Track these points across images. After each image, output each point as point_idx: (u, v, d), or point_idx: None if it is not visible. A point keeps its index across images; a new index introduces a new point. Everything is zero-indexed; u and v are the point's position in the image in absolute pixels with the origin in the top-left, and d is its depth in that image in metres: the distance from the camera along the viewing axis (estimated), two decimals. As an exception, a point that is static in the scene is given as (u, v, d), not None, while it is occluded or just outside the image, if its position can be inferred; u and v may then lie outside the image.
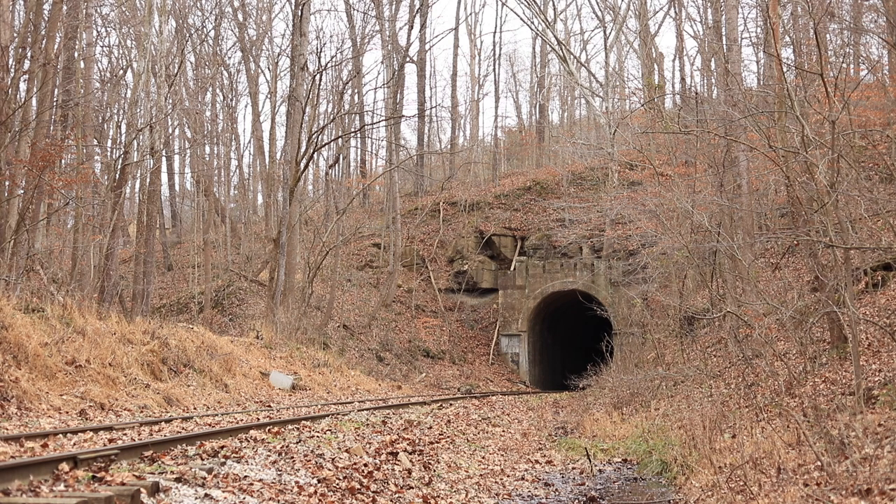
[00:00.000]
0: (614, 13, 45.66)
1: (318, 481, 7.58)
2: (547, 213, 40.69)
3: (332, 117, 36.92)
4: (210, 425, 11.18)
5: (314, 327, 30.50)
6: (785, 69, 13.58)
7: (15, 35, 22.43)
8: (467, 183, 47.05)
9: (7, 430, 9.52)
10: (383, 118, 42.28)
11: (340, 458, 8.81)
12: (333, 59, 37.35)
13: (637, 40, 43.66)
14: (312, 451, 8.72)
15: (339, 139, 43.89)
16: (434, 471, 9.95)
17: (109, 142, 37.14)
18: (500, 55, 65.06)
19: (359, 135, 46.54)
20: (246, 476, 7.05)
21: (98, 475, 6.34)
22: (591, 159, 43.43)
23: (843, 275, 10.83)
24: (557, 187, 42.67)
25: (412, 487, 8.66)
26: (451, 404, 19.68)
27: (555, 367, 38.93)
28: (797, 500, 6.64)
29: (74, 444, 8.55)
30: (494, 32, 55.91)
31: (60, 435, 8.99)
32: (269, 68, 46.84)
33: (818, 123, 16.80)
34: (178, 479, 6.44)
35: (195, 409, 14.57)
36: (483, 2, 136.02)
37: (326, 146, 41.11)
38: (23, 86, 21.94)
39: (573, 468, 11.63)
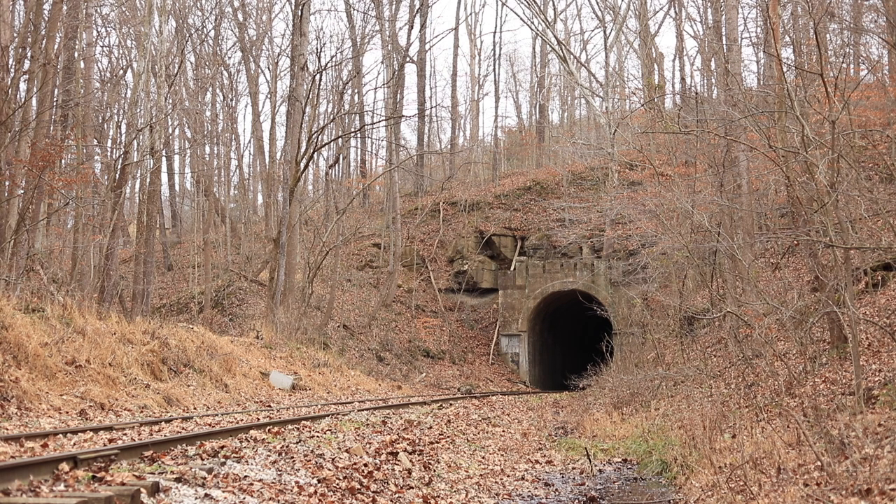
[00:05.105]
0: (614, 13, 45.66)
1: (318, 481, 7.58)
2: (547, 213, 40.69)
3: (332, 117, 36.92)
4: (210, 425, 11.18)
5: (314, 327, 30.50)
6: (785, 69, 13.58)
7: (15, 35, 22.43)
8: (467, 183, 47.04)
9: (7, 430, 9.52)
10: (383, 118, 42.28)
11: (340, 458, 8.81)
12: (333, 59, 37.39)
13: (637, 40, 43.67)
14: (312, 451, 8.71)
15: (339, 139, 43.90)
16: (434, 471, 9.94)
17: (109, 142, 37.16)
18: (500, 55, 65.05)
19: (359, 135, 46.56)
20: (246, 476, 7.05)
21: (98, 475, 6.34)
22: (591, 159, 43.42)
23: (843, 275, 10.83)
24: (557, 187, 42.67)
25: (412, 487, 8.66)
26: (451, 404, 19.68)
27: (555, 367, 38.93)
28: (797, 500, 6.64)
29: (74, 444, 8.55)
30: (494, 32, 55.95)
31: (60, 435, 8.98)
32: (269, 68, 46.89)
33: (818, 123, 16.80)
34: (178, 479, 6.44)
35: (195, 409, 14.56)
36: (483, 2, 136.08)
37: (326, 146, 41.13)
38: (23, 86, 21.96)
39: (573, 468, 11.63)
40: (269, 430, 10.35)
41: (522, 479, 10.56)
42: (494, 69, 53.35)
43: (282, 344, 25.15)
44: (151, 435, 9.66)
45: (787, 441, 8.68)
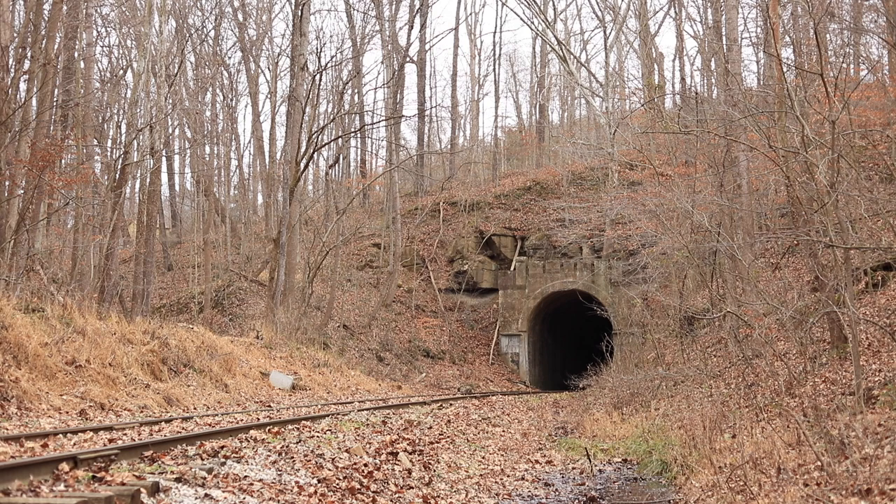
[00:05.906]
0: (614, 13, 45.68)
1: (318, 481, 7.58)
2: (547, 213, 40.69)
3: (332, 117, 36.93)
4: (210, 425, 11.18)
5: (314, 327, 30.50)
6: (785, 69, 13.58)
7: (15, 35, 22.43)
8: (467, 183, 47.04)
9: (7, 430, 9.51)
10: (383, 118, 42.29)
11: (340, 458, 8.81)
12: (333, 59, 37.42)
13: (637, 40, 43.69)
14: (312, 451, 8.71)
15: (339, 139, 43.90)
16: (434, 471, 9.94)
17: (109, 142, 37.17)
18: (500, 55, 65.10)
19: (359, 135, 46.55)
20: (246, 476, 7.05)
21: (98, 475, 6.34)
22: (591, 159, 43.44)
23: (843, 275, 10.83)
24: (557, 187, 42.67)
25: (412, 487, 8.66)
26: (451, 404, 19.68)
27: (555, 367, 38.93)
28: (797, 500, 6.64)
29: (74, 444, 8.55)
30: (494, 32, 55.96)
31: (60, 435, 8.98)
32: (269, 68, 46.88)
33: (818, 123, 16.81)
34: (178, 479, 6.44)
35: (195, 409, 14.56)
36: (483, 2, 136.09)
37: (326, 146, 41.13)
38: (23, 86, 21.95)
39: (573, 468, 11.63)
40: (269, 430, 10.35)
41: (522, 479, 10.56)
42: (494, 69, 53.41)
43: (282, 344, 25.15)
44: (151, 435, 9.65)
45: (787, 441, 8.68)
